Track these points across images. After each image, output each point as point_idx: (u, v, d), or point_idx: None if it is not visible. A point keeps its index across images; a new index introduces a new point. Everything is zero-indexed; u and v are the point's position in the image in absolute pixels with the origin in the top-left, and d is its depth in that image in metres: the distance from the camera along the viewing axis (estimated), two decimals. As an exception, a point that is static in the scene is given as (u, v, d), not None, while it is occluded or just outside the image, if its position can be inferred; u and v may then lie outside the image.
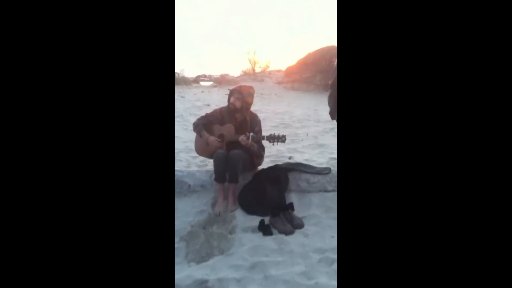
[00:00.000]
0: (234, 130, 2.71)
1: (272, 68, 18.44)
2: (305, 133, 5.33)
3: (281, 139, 2.53)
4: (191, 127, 6.38)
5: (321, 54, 15.54)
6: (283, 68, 17.47)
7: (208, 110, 9.70)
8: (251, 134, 2.57)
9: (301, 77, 15.18)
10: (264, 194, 2.56)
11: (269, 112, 8.40)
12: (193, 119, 7.29)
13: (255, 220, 2.39)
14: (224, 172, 2.63)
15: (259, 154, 2.78)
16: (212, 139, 2.73)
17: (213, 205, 2.66)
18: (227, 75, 17.72)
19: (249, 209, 2.51)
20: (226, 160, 2.60)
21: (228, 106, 2.80)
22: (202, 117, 2.92)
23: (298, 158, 3.92)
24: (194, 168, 3.61)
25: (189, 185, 2.87)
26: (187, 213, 2.52)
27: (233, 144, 2.73)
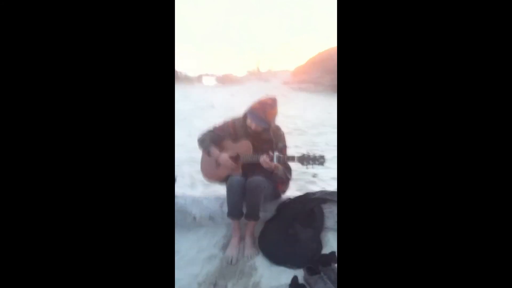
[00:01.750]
0: (252, 148, 2.07)
1: (277, 68, 17.87)
2: (324, 142, 4.70)
3: (318, 160, 1.88)
4: (194, 131, 5.78)
5: (329, 54, 14.96)
6: (290, 68, 16.87)
7: (213, 112, 9.11)
8: (276, 153, 1.94)
9: (309, 77, 14.58)
10: (294, 238, 1.93)
11: (278, 115, 7.78)
12: (198, 123, 6.60)
13: (284, 275, 1.76)
14: (241, 204, 2.00)
15: (285, 178, 2.15)
16: (224, 157, 2.10)
17: (225, 246, 2.03)
18: (230, 75, 17.09)
19: (275, 258, 1.88)
20: (243, 189, 1.97)
21: (243, 125, 2.16)
22: (209, 131, 2.29)
23: (323, 175, 3.29)
24: (199, 188, 3.00)
25: (194, 217, 2.24)
26: (192, 260, 1.89)
27: (251, 167, 2.09)
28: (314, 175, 3.27)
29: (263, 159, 1.93)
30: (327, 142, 4.71)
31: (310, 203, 2.10)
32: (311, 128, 5.70)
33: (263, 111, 2.02)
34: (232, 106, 8.97)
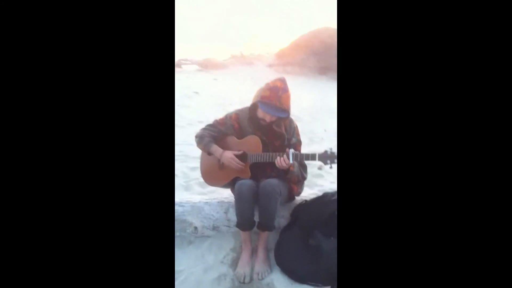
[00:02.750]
0: (261, 145, 1.76)
1: (261, 51, 17.36)
2: (323, 129, 4.43)
3: None
4: (182, 122, 5.38)
5: (314, 35, 14.60)
6: (273, 50, 16.41)
7: (198, 99, 8.65)
8: (292, 151, 1.63)
9: (293, 59, 14.20)
10: (316, 249, 1.65)
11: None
12: (184, 111, 6.15)
13: (309, 296, 1.49)
14: (252, 213, 1.70)
15: (301, 178, 1.85)
16: (228, 156, 1.78)
17: (235, 262, 1.74)
18: (212, 59, 16.43)
19: (295, 274, 1.60)
20: (255, 195, 1.66)
21: (251, 117, 1.83)
22: (209, 125, 1.95)
23: (329, 168, 3.02)
24: (196, 189, 2.67)
25: (195, 227, 1.93)
26: (198, 283, 1.59)
27: (261, 167, 1.79)
28: (320, 168, 2.99)
29: (279, 160, 1.62)
30: (326, 129, 4.44)
31: (330, 205, 1.81)
32: (306, 115, 5.40)
33: (277, 97, 1.67)
34: (216, 91, 8.56)
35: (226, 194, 2.12)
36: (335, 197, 1.85)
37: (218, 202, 1.99)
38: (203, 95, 8.26)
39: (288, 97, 1.70)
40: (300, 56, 13.86)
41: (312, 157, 1.62)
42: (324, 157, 1.60)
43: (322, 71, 13.04)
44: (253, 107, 1.79)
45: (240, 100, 6.75)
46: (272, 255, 1.74)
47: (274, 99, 1.67)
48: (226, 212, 1.93)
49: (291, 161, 1.63)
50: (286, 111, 1.71)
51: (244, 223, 1.67)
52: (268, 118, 1.72)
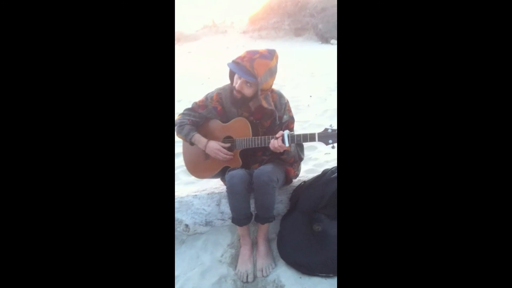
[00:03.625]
0: (250, 127, 1.55)
1: (233, 18, 16.66)
2: (306, 94, 4.21)
3: None
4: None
5: (286, -6, 14.00)
6: (245, 16, 15.75)
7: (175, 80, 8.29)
8: (287, 132, 1.43)
9: (267, 23, 13.67)
10: (322, 235, 1.50)
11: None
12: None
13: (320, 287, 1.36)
14: (248, 206, 1.52)
15: (298, 158, 1.67)
16: (214, 147, 1.57)
17: (235, 259, 1.58)
18: (183, 31, 15.70)
19: (303, 266, 1.46)
20: (249, 185, 1.47)
21: (231, 92, 1.59)
22: (188, 110, 1.71)
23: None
24: (181, 178, 2.46)
25: (186, 225, 1.75)
26: (196, 290, 1.43)
27: (252, 152, 1.60)
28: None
29: (273, 144, 1.42)
30: (308, 93, 4.23)
31: (331, 184, 1.65)
32: (288, 81, 5.15)
33: (250, 60, 1.44)
34: (192, 65, 8.18)
35: (216, 183, 1.93)
36: (336, 174, 1.68)
37: (208, 194, 1.80)
38: (178, 70, 7.86)
39: (264, 65, 1.45)
40: (274, 19, 13.35)
41: (311, 137, 1.42)
42: (325, 137, 1.40)
43: (297, 32, 12.65)
44: (231, 77, 1.58)
45: (218, 71, 6.43)
46: (274, 245, 1.59)
47: (247, 60, 1.44)
48: (218, 204, 1.75)
49: (286, 145, 1.43)
50: (254, 76, 1.45)
51: (240, 218, 1.49)
52: (238, 85, 1.48)
